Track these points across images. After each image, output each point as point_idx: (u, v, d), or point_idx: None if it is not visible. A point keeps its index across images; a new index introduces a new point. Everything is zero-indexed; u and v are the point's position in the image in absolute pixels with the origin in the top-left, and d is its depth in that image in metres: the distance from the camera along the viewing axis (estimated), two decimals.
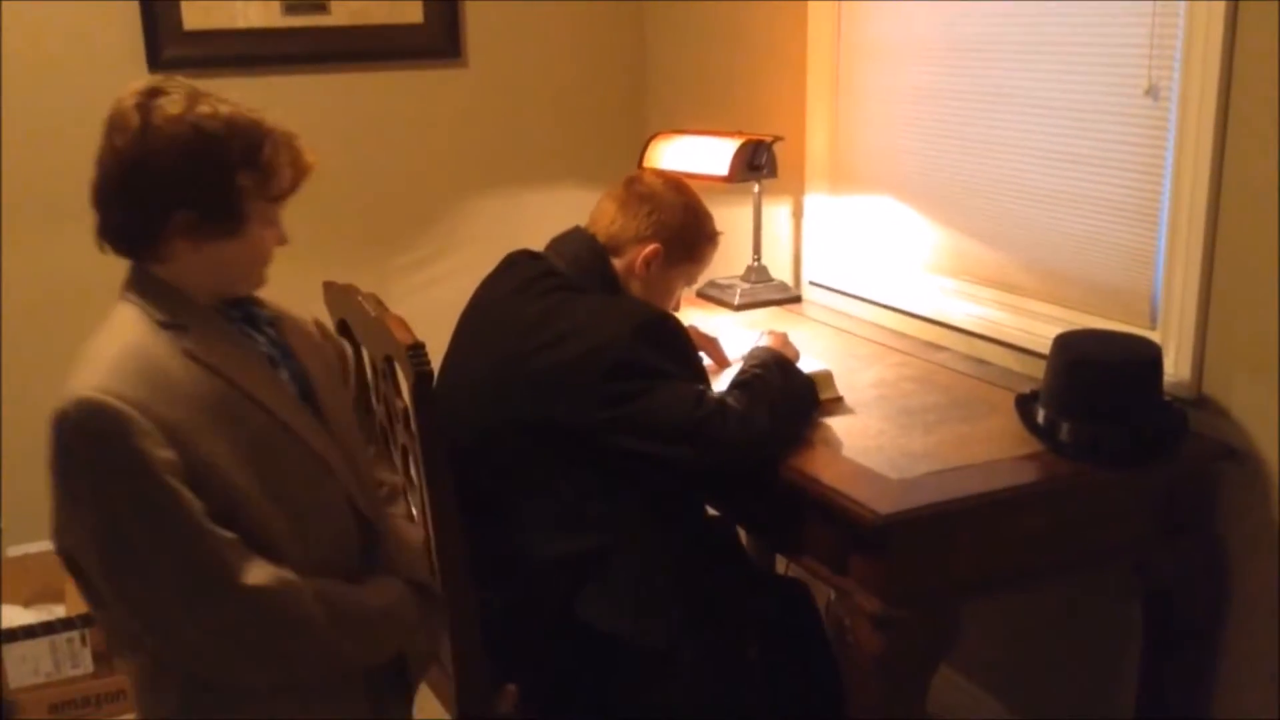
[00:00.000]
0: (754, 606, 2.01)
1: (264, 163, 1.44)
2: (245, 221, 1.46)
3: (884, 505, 1.61)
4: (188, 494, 1.37)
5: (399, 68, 3.14)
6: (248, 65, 2.95)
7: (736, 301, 2.69)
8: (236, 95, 3.10)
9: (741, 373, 1.87)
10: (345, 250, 3.12)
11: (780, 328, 2.27)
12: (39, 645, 2.54)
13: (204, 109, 1.42)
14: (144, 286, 1.47)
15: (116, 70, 2.81)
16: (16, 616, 2.60)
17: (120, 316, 1.46)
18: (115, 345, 1.41)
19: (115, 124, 1.42)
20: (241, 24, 2.92)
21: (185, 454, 1.37)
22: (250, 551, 1.41)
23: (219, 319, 1.50)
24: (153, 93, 1.43)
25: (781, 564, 2.43)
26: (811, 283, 2.81)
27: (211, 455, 1.40)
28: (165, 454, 1.35)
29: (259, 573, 1.40)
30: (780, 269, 2.85)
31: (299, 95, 3.03)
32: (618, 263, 1.97)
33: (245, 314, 1.55)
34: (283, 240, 1.55)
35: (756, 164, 2.52)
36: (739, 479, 1.85)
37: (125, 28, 2.82)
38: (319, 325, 1.70)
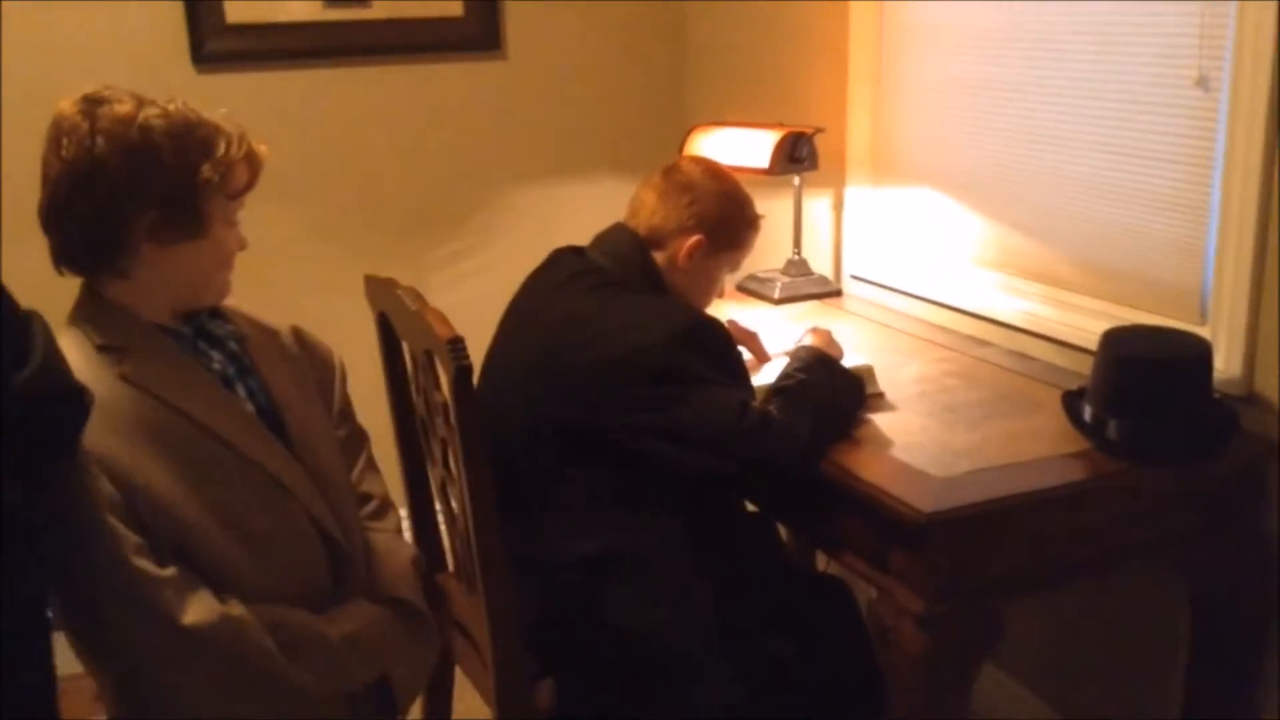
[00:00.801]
0: (791, 604, 2.00)
1: (220, 158, 1.42)
2: (208, 221, 1.44)
3: (927, 503, 1.59)
4: (122, 530, 1.34)
5: (439, 60, 3.14)
6: (289, 59, 2.97)
7: (776, 295, 2.67)
8: (278, 88, 3.13)
9: (785, 376, 1.84)
10: (385, 241, 3.13)
11: (822, 322, 2.26)
12: None
13: (152, 110, 1.41)
14: (88, 309, 1.45)
15: (160, 64, 2.84)
16: None
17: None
18: None
19: (60, 135, 1.39)
20: (283, 18, 2.94)
21: (122, 485, 1.35)
22: (194, 586, 1.38)
23: (163, 339, 1.47)
24: (95, 100, 1.41)
25: (822, 560, 2.41)
26: (853, 276, 2.78)
27: (152, 484, 1.37)
28: (99, 487, 1.33)
29: (199, 610, 1.36)
30: (820, 262, 2.83)
31: (339, 88, 3.05)
32: (660, 255, 1.95)
33: (198, 330, 1.53)
34: (242, 244, 1.53)
35: (797, 156, 2.50)
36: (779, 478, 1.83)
37: (168, 22, 2.84)
38: (299, 335, 1.67)
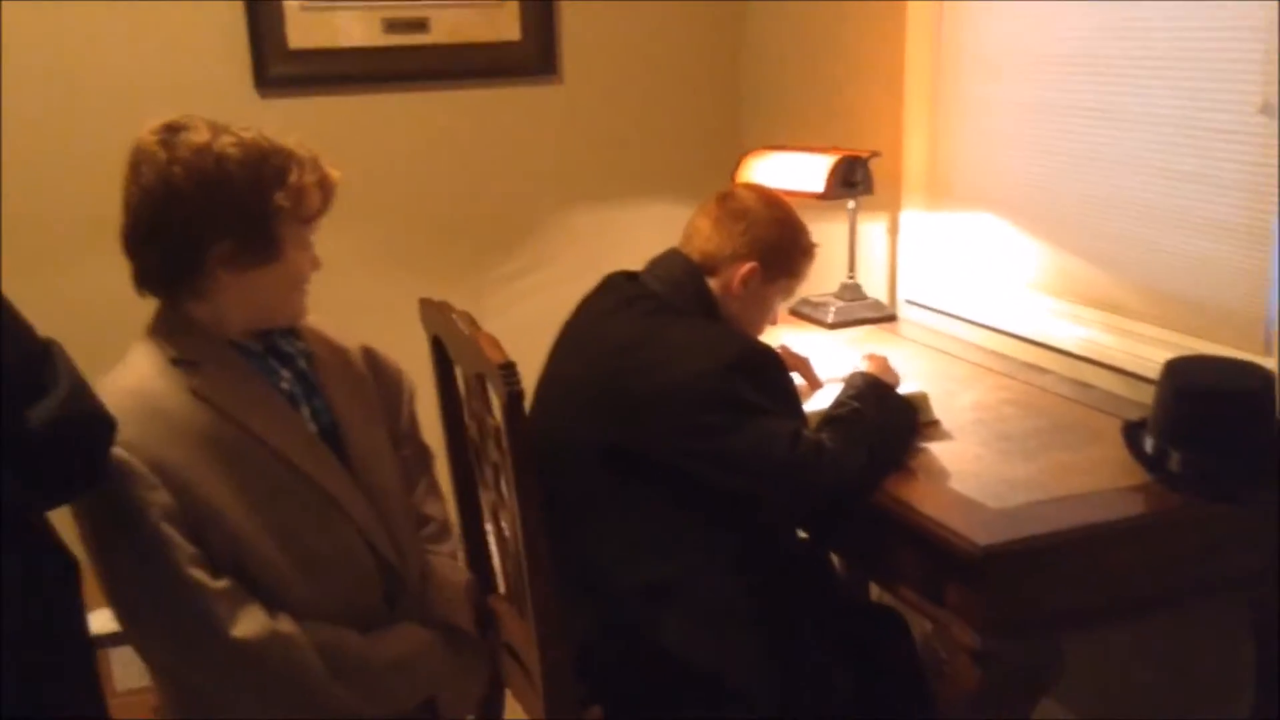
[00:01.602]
0: (844, 634, 1.98)
1: (293, 185, 1.45)
2: (281, 246, 1.47)
3: (983, 536, 1.56)
4: (179, 539, 1.36)
5: (496, 85, 3.17)
6: (349, 83, 3.01)
7: (830, 320, 2.65)
8: (338, 112, 3.17)
9: (838, 404, 1.83)
10: (441, 264, 3.16)
11: (876, 347, 2.24)
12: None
13: (227, 138, 1.44)
14: (165, 324, 1.49)
15: (224, 89, 2.89)
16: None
17: (132, 355, 1.48)
18: (118, 387, 1.42)
19: (140, 163, 1.43)
20: (344, 43, 2.98)
21: (182, 495, 1.37)
22: (246, 599, 1.40)
23: (235, 356, 1.50)
24: (173, 128, 1.44)
25: (875, 590, 2.39)
26: (907, 301, 2.76)
27: (211, 496, 1.39)
28: (158, 497, 1.35)
29: (249, 624, 1.39)
30: (875, 287, 2.81)
31: (398, 112, 3.09)
32: (714, 282, 1.94)
33: (270, 347, 1.55)
34: (316, 264, 1.55)
35: (852, 180, 2.48)
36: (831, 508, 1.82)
37: (233, 47, 2.90)
38: (369, 354, 1.69)
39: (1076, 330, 2.28)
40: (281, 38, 2.91)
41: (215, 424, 1.42)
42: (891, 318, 2.72)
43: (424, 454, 1.79)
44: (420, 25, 3.04)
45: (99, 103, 2.78)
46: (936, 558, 1.66)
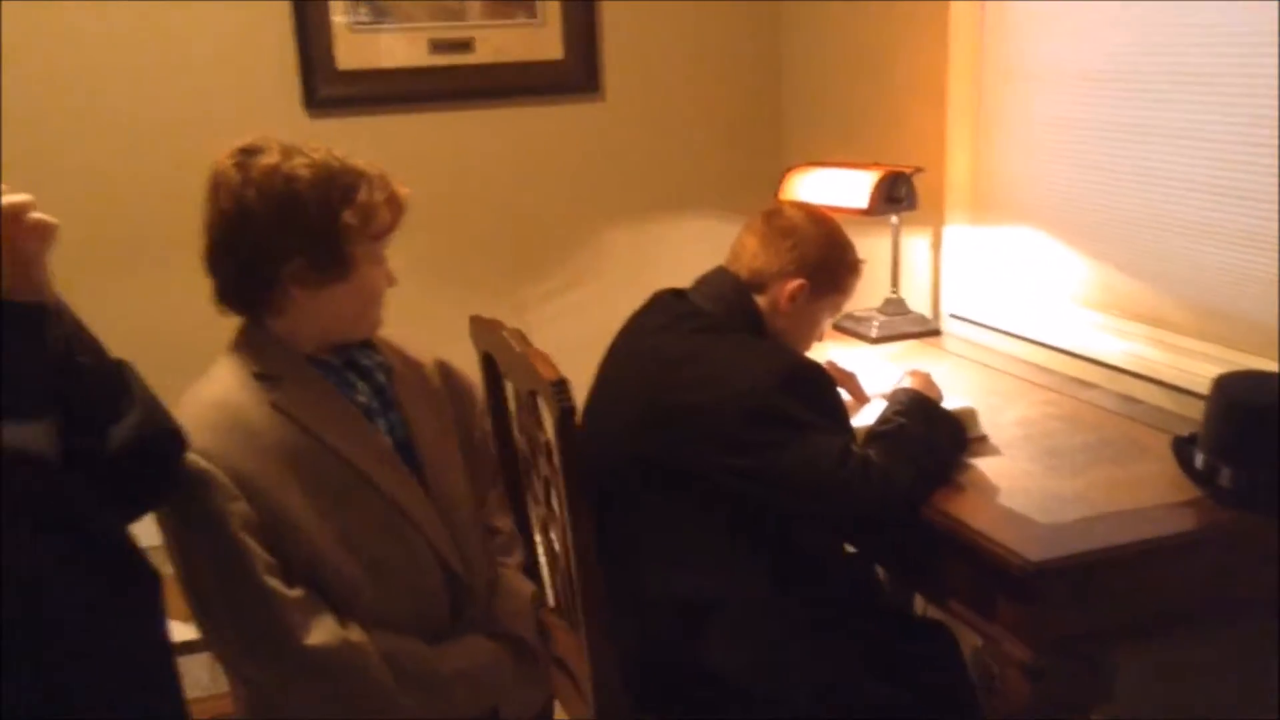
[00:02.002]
0: (891, 649, 1.98)
1: (362, 203, 1.48)
2: (353, 264, 1.51)
3: (1034, 552, 1.57)
4: (257, 549, 1.40)
5: (539, 103, 3.21)
6: (396, 103, 3.06)
7: (874, 334, 2.66)
8: (386, 131, 3.22)
9: (883, 421, 1.84)
10: (486, 280, 3.20)
11: (920, 362, 2.25)
12: (198, 660, 2.65)
13: (298, 159, 1.48)
14: (248, 338, 1.53)
15: (274, 110, 2.95)
16: (184, 632, 2.72)
17: (216, 369, 1.52)
18: (202, 399, 1.47)
19: (217, 186, 1.48)
20: (391, 64, 3.03)
21: (261, 505, 1.41)
22: (319, 608, 1.44)
23: (314, 371, 1.54)
24: (248, 151, 1.49)
25: (919, 603, 2.39)
26: (951, 315, 2.76)
27: (289, 507, 1.43)
28: (239, 507, 1.40)
29: (322, 633, 1.42)
30: (918, 301, 2.81)
31: (444, 131, 3.13)
32: (762, 300, 1.96)
33: (349, 361, 1.59)
34: (391, 280, 1.59)
35: (895, 196, 2.49)
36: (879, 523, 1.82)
37: (283, 69, 2.95)
38: (443, 368, 1.72)
39: (1122, 344, 2.28)
40: (330, 59, 2.97)
41: (293, 437, 1.46)
42: (935, 332, 2.72)
43: (494, 467, 1.84)
44: (465, 45, 3.08)
45: (154, 127, 2.85)
46: (988, 573, 1.66)
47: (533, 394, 1.87)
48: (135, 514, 1.19)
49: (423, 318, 3.07)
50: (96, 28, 2.77)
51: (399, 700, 1.47)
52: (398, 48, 3.03)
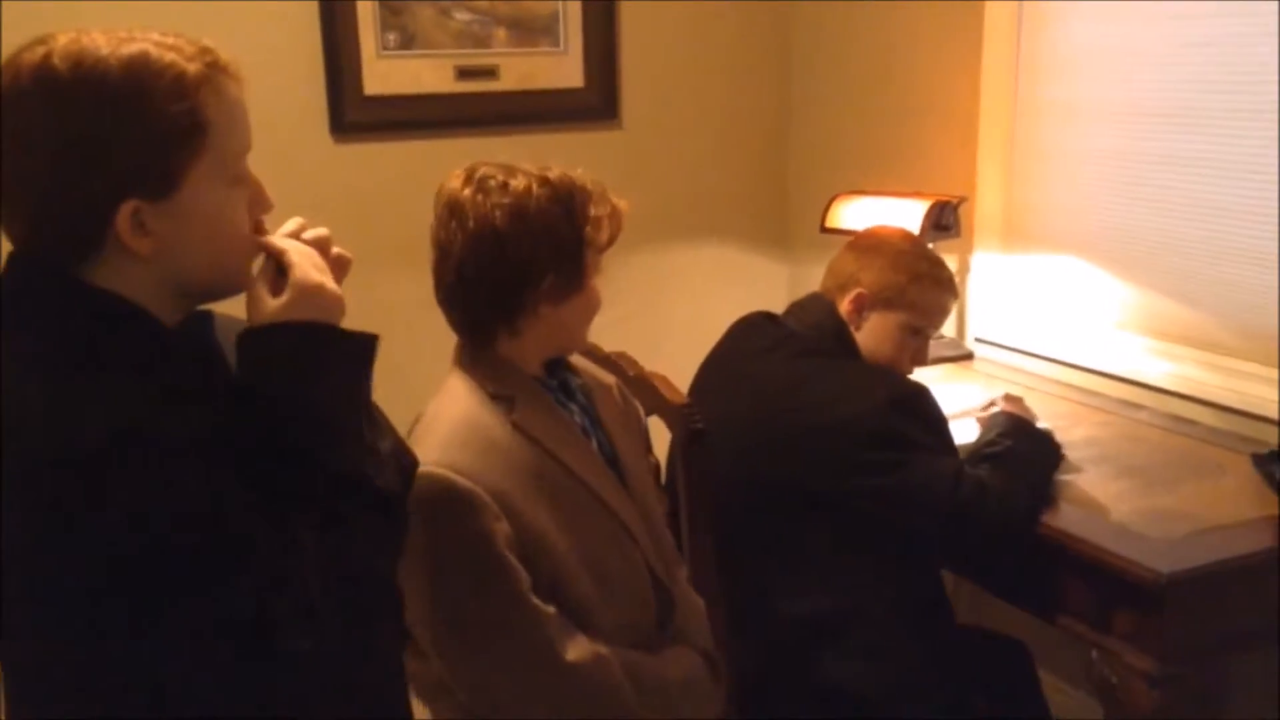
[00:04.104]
0: (980, 665, 2.03)
1: (595, 217, 1.51)
2: (587, 276, 1.52)
3: (1164, 564, 1.63)
4: (518, 568, 1.40)
5: (560, 130, 3.22)
6: (422, 128, 3.04)
7: None
8: (411, 156, 3.17)
9: (990, 443, 1.89)
10: None
11: (956, 384, 2.29)
12: None
13: (536, 178, 1.50)
14: (476, 359, 1.53)
15: (300, 135, 2.91)
16: None
17: (453, 386, 1.51)
18: (451, 416, 1.46)
19: (458, 212, 1.47)
20: (416, 89, 3.01)
21: (517, 524, 1.41)
22: (569, 625, 1.44)
23: (541, 391, 1.54)
24: (483, 175, 1.50)
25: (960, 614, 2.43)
26: (977, 339, 2.84)
27: (538, 525, 1.43)
28: (502, 527, 1.39)
29: (578, 649, 1.43)
30: (945, 326, 2.88)
31: (468, 156, 3.04)
32: (847, 319, 1.98)
33: (561, 383, 1.60)
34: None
35: (944, 224, 2.57)
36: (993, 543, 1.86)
37: (310, 94, 2.92)
38: (620, 388, 1.74)
39: (1169, 367, 2.38)
40: (358, 84, 2.94)
41: (535, 456, 1.46)
42: (969, 356, 2.80)
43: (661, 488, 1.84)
44: (490, 73, 3.08)
45: None
46: (1104, 586, 1.72)
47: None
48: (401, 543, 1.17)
49: (448, 339, 3.08)
50: None
51: (639, 713, 1.47)
52: (424, 74, 3.02)
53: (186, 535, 0.94)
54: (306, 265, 1.09)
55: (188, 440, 0.97)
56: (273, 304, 1.07)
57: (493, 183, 1.48)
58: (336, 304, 1.09)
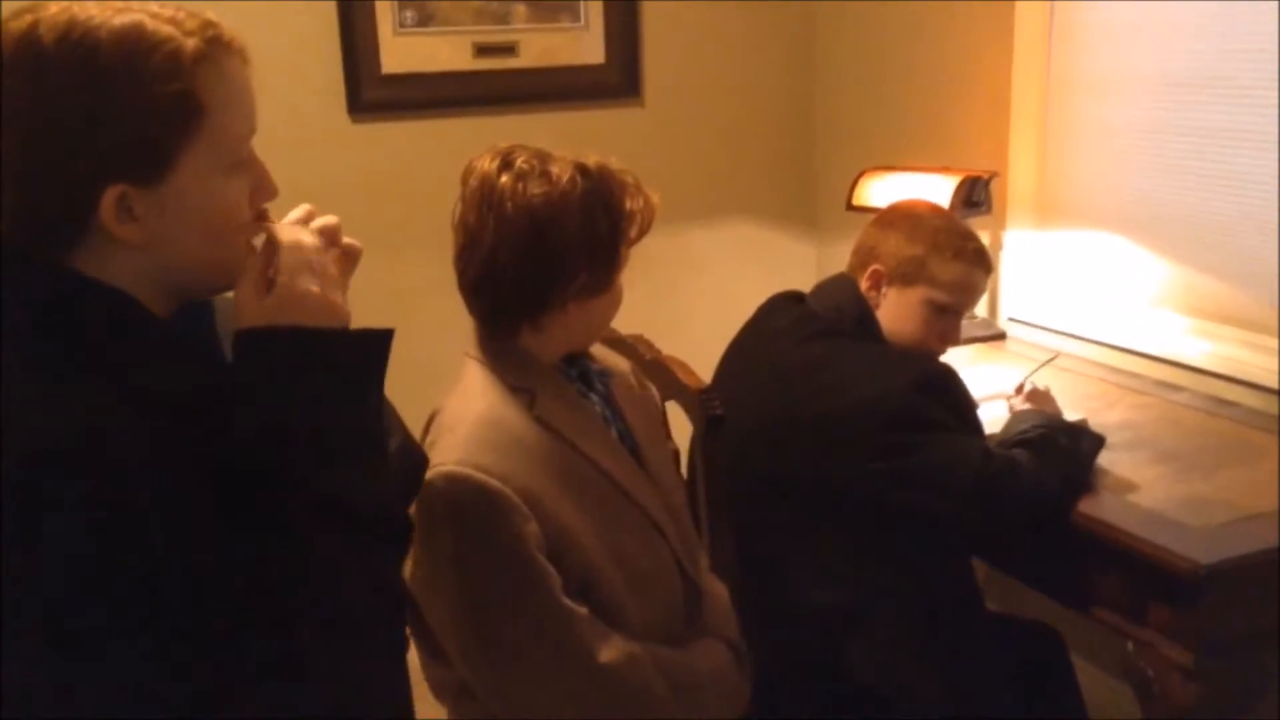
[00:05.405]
0: (1010, 652, 1.98)
1: (630, 211, 1.44)
2: (617, 273, 1.46)
3: (1203, 555, 1.57)
4: (550, 569, 1.35)
5: (581, 107, 3.17)
6: (440, 107, 2.99)
7: None
8: (429, 135, 3.12)
9: (1023, 430, 1.82)
10: None
11: (987, 366, 2.22)
12: None
13: (572, 166, 1.42)
14: (494, 350, 1.46)
15: (317, 113, 2.87)
16: None
17: (471, 379, 1.45)
18: (474, 412, 1.40)
19: (489, 198, 1.39)
20: (434, 67, 2.97)
21: (545, 523, 1.36)
22: (600, 625, 1.39)
23: (562, 382, 1.49)
24: (520, 162, 1.41)
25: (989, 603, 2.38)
26: (1010, 319, 2.77)
27: (566, 522, 1.38)
28: (532, 528, 1.34)
29: (611, 649, 1.38)
30: (978, 305, 2.82)
31: (487, 135, 2.99)
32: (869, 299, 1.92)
33: (581, 372, 1.54)
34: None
35: (975, 200, 2.50)
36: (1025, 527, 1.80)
37: (327, 73, 2.88)
38: (636, 374, 1.68)
39: (1209, 347, 2.30)
40: (375, 62, 2.89)
41: (559, 450, 1.40)
42: (1001, 335, 2.73)
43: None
44: (509, 49, 3.03)
45: None
46: (1139, 577, 1.66)
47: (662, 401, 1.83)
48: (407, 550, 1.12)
49: (465, 322, 3.04)
50: None
51: (672, 710, 1.43)
52: (442, 51, 2.97)
53: (139, 551, 0.88)
54: (297, 267, 1.00)
55: (150, 451, 0.91)
56: (254, 305, 0.99)
57: (530, 169, 1.40)
58: (324, 310, 0.99)
